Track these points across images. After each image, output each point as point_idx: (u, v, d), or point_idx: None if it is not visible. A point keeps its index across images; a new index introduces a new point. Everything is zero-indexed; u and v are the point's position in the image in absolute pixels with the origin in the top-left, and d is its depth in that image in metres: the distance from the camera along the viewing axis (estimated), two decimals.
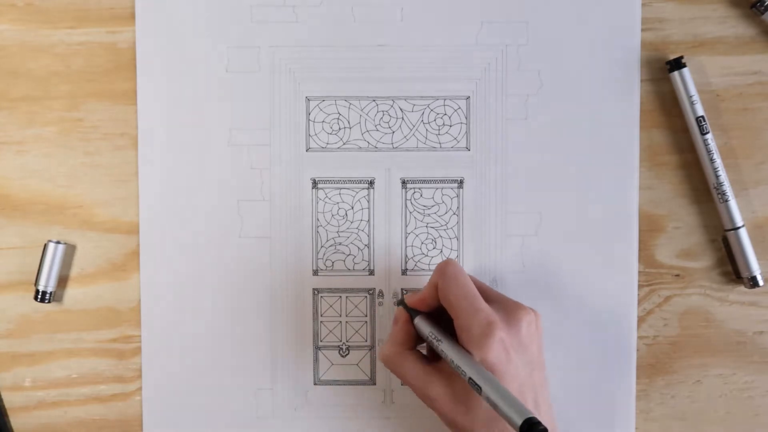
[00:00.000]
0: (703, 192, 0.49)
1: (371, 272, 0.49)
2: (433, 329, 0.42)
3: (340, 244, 0.49)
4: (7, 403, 0.49)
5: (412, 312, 0.44)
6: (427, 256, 0.49)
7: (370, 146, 0.49)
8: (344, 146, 0.49)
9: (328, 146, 0.49)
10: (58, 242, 0.48)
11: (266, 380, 0.49)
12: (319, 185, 0.49)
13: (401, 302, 0.45)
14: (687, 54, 0.48)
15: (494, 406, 0.37)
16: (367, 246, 0.49)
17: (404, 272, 0.49)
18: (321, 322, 0.49)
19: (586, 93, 0.48)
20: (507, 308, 0.42)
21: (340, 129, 0.49)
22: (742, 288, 0.49)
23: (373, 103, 0.49)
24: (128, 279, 0.49)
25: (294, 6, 0.48)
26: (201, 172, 0.49)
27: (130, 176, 0.49)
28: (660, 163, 0.49)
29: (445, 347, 0.41)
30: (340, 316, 0.49)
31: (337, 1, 0.48)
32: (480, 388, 0.38)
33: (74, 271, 0.49)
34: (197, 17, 0.48)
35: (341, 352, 0.49)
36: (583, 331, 0.47)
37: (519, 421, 0.35)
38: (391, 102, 0.49)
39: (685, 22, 0.48)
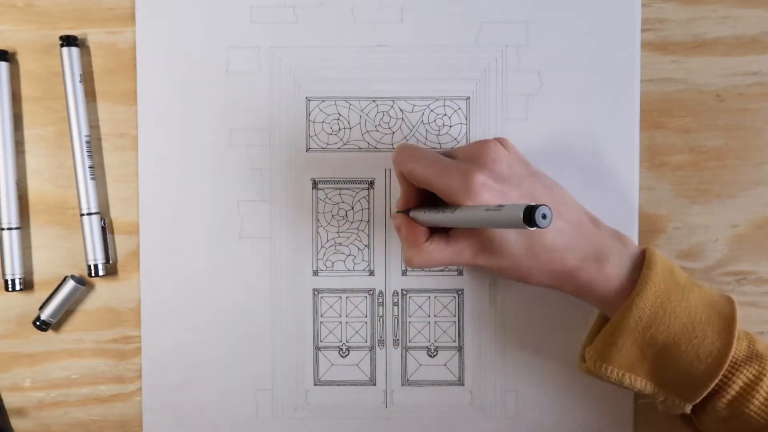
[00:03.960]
0: (703, 192, 0.49)
1: (371, 272, 0.49)
2: (426, 210, 0.42)
3: (340, 244, 0.49)
4: (7, 403, 0.49)
5: (405, 213, 0.44)
6: None
7: (370, 147, 0.49)
8: (344, 147, 0.49)
9: (328, 147, 0.49)
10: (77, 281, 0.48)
11: (266, 380, 0.49)
12: (319, 185, 0.49)
13: (397, 212, 0.45)
14: (687, 54, 0.48)
15: (496, 224, 0.36)
16: (367, 246, 0.49)
17: (404, 272, 0.49)
18: (321, 322, 0.49)
19: (586, 93, 0.48)
20: (473, 152, 0.43)
21: (340, 129, 0.49)
22: (742, 288, 0.49)
23: (373, 104, 0.49)
24: (128, 279, 0.49)
25: (294, 6, 0.48)
26: (201, 172, 0.49)
27: (130, 176, 0.49)
28: (660, 163, 0.49)
29: (443, 215, 0.40)
30: (340, 316, 0.49)
31: (337, 2, 0.48)
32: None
33: (75, 272, 0.49)
34: (197, 17, 0.48)
35: (341, 352, 0.49)
36: (582, 331, 0.47)
37: (520, 214, 0.32)
38: (391, 102, 0.49)
39: (685, 22, 0.48)
